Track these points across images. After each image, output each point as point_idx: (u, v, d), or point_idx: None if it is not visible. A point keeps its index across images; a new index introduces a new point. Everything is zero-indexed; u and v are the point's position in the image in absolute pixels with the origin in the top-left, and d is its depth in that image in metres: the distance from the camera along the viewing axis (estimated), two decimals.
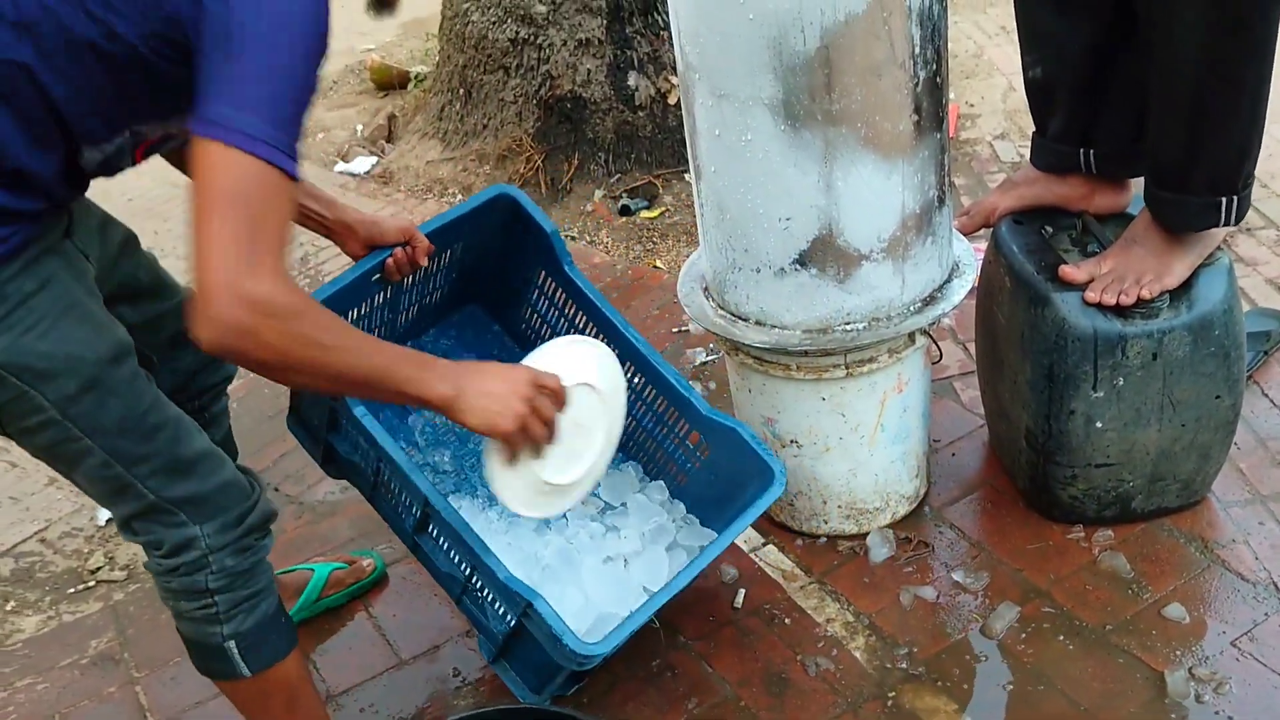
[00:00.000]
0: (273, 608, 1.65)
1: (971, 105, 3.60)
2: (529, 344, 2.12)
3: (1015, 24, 2.01)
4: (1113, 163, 1.99)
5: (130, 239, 1.72)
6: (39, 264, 1.43)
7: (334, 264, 3.23)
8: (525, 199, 1.94)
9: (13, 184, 1.40)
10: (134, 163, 1.56)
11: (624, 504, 2.05)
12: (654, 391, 1.98)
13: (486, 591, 1.73)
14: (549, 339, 1.97)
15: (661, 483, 2.08)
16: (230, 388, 2.80)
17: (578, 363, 1.63)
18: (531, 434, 1.52)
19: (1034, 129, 2.09)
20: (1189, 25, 1.68)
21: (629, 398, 1.82)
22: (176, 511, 1.54)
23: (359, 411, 1.73)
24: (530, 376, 1.52)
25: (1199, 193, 1.80)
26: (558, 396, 1.55)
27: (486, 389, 1.48)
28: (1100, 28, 1.88)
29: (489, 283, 2.11)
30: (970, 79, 3.75)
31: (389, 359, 1.44)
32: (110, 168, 1.51)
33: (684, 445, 2.01)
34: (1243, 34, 1.67)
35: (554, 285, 2.04)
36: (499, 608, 1.72)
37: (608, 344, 1.82)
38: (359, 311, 1.90)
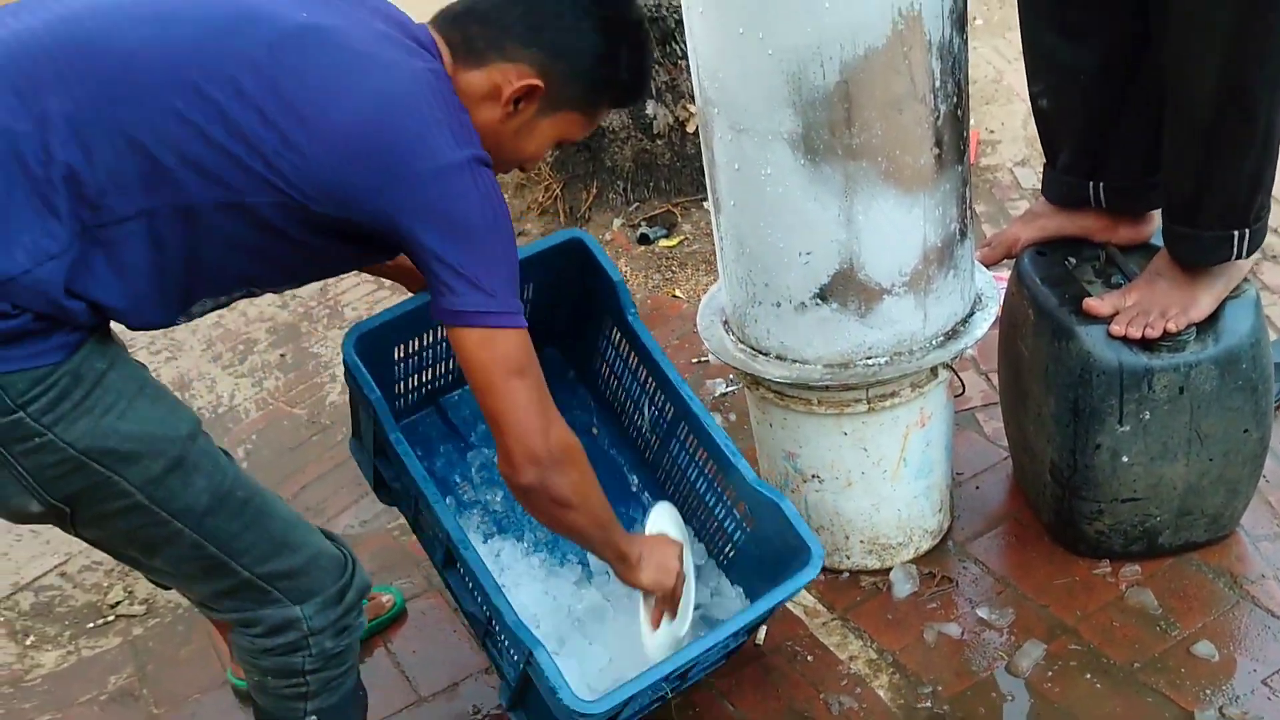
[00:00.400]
0: (355, 680, 1.67)
1: (992, 131, 3.58)
2: (600, 393, 2.14)
3: (1022, 53, 1.99)
4: (1123, 196, 1.97)
5: None
6: (104, 343, 1.40)
7: (353, 294, 3.23)
8: (595, 245, 1.95)
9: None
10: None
11: None
12: (704, 454, 1.95)
13: (503, 635, 1.72)
14: (617, 389, 2.09)
15: (702, 546, 2.04)
16: (249, 420, 2.82)
17: (673, 524, 1.84)
18: (677, 594, 1.74)
19: (1044, 161, 2.07)
20: (1207, 58, 1.66)
21: (683, 453, 1.99)
22: (270, 589, 1.52)
23: (394, 438, 1.73)
24: (677, 546, 1.76)
25: (1211, 226, 1.78)
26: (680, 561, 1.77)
27: (657, 554, 1.72)
28: (1109, 59, 1.87)
29: (564, 327, 2.08)
30: (990, 105, 3.73)
31: (617, 524, 1.66)
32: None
33: (732, 513, 1.95)
34: (1262, 67, 1.65)
35: (620, 335, 2.02)
36: (513, 653, 1.71)
37: (664, 399, 1.97)
38: (421, 342, 1.92)
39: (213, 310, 1.53)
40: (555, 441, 1.48)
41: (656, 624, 1.75)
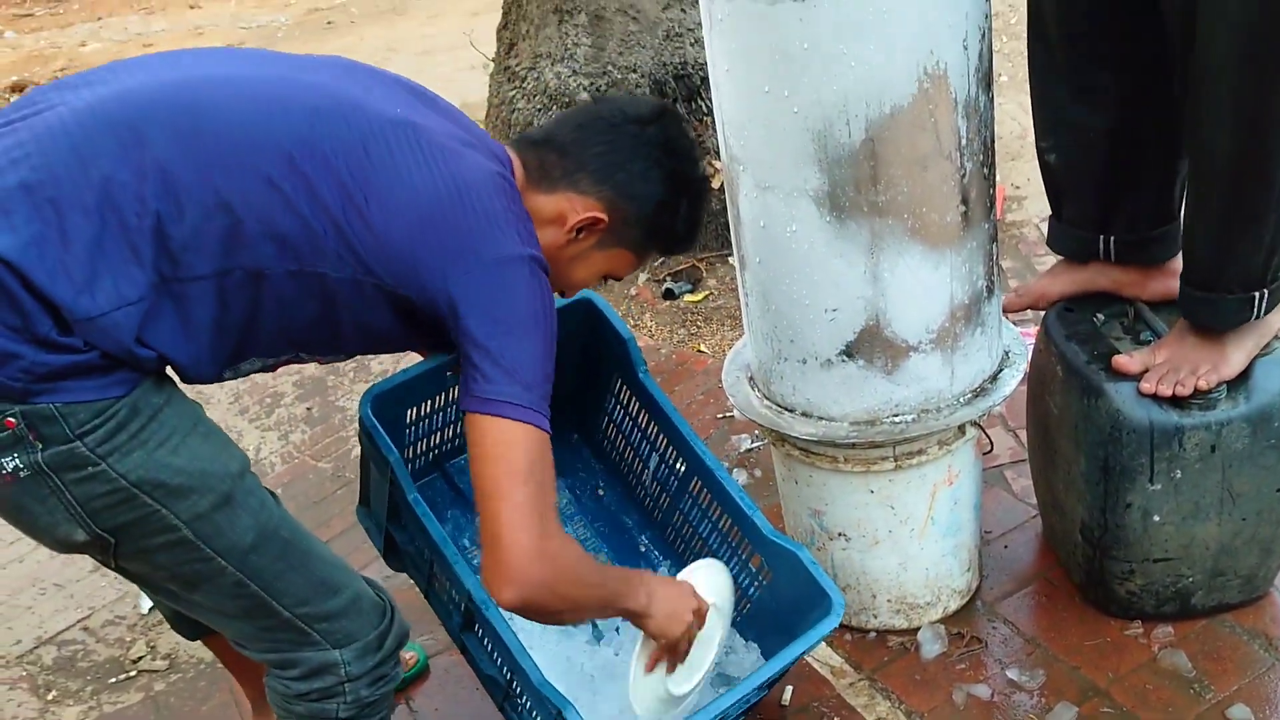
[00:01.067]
0: None
1: (1018, 187, 3.58)
2: (606, 453, 2.13)
3: (1031, 108, 1.99)
4: (1133, 249, 1.96)
5: None
6: (161, 380, 1.43)
7: None
8: (604, 304, 1.96)
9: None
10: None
11: None
12: (719, 509, 1.94)
13: (525, 699, 1.70)
14: (624, 449, 2.08)
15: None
16: (275, 474, 2.82)
17: (711, 584, 1.78)
18: (681, 648, 1.70)
19: (1050, 213, 2.06)
20: (1225, 123, 1.65)
21: (695, 509, 1.98)
22: (310, 631, 1.53)
23: (413, 498, 1.71)
24: (695, 594, 1.70)
25: (1232, 290, 1.77)
26: (701, 617, 1.71)
27: (670, 602, 1.65)
28: (1119, 119, 1.87)
29: (569, 389, 2.06)
30: (1016, 160, 3.74)
31: (620, 584, 1.62)
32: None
33: (747, 567, 1.94)
34: (1277, 133, 1.64)
35: (629, 394, 2.02)
36: (536, 715, 1.69)
37: (676, 455, 1.96)
38: (432, 405, 1.92)
39: (259, 371, 1.55)
40: (547, 560, 1.42)
41: (650, 669, 1.70)
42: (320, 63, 1.53)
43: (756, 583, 1.93)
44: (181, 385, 1.48)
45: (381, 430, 1.73)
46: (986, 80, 1.71)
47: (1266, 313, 1.78)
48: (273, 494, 1.58)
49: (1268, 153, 1.65)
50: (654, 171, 1.58)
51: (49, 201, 1.29)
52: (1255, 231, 1.72)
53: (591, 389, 2.08)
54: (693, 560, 1.91)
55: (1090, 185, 1.96)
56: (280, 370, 3.23)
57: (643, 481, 2.09)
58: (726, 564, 1.93)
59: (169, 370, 1.44)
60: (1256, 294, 1.77)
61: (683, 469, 1.98)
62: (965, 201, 1.73)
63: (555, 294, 1.59)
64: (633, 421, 2.05)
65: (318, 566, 1.53)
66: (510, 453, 1.40)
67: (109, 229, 1.31)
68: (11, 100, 6.70)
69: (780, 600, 1.87)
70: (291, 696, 1.57)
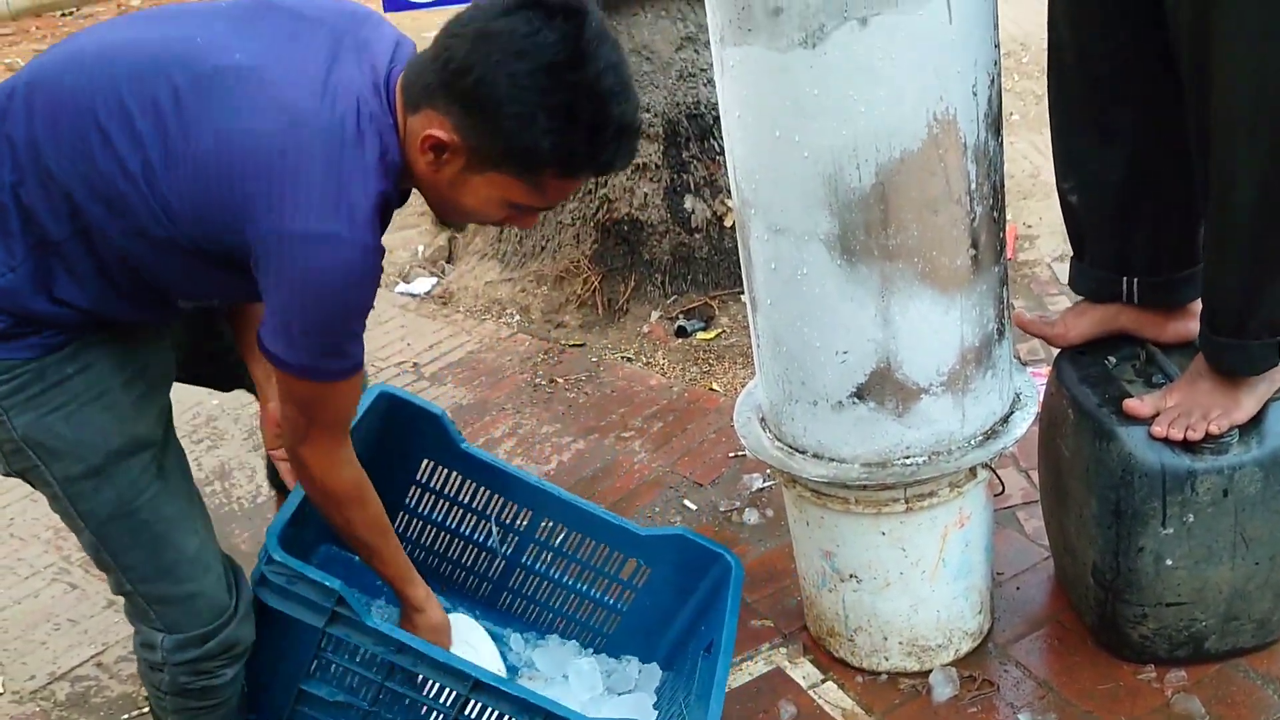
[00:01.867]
0: (226, 715, 1.76)
1: (1029, 226, 3.59)
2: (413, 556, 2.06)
3: (1051, 147, 2.00)
4: (1155, 291, 1.96)
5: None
6: (87, 350, 1.54)
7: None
8: (401, 391, 2.01)
9: (100, 322, 1.55)
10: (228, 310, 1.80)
11: (565, 675, 2.05)
12: (579, 537, 2.03)
13: None
14: (436, 539, 2.13)
15: (575, 642, 2.12)
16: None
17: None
18: None
19: (1073, 255, 2.07)
20: (1250, 168, 1.66)
21: (542, 555, 2.09)
22: (147, 609, 1.65)
23: (372, 621, 1.70)
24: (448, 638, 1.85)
25: (1259, 336, 1.77)
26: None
27: (440, 617, 1.83)
28: (1140, 159, 1.87)
29: None
30: (1028, 199, 3.75)
31: (405, 565, 1.79)
32: (206, 309, 1.72)
33: (614, 585, 2.05)
34: None
35: (443, 473, 2.06)
36: None
37: (520, 500, 2.04)
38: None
39: (200, 308, 1.69)
40: (335, 483, 1.63)
41: None
42: (210, 9, 1.51)
43: (626, 592, 2.04)
44: (193, 427, 1.54)
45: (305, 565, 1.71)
46: (996, 125, 1.73)
47: None
48: (171, 473, 1.65)
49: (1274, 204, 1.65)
50: (498, 76, 1.33)
51: None
52: (1267, 277, 1.72)
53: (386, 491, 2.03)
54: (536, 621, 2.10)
55: (1111, 226, 1.96)
56: None
57: (467, 564, 2.13)
58: (585, 597, 2.08)
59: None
60: None
61: (524, 522, 2.05)
62: (975, 245, 1.74)
63: (452, 224, 1.65)
64: (449, 501, 2.09)
65: (168, 554, 1.62)
66: (285, 387, 1.52)
67: None
68: None
69: (659, 596, 2.00)
70: (136, 653, 1.72)
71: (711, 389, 3.07)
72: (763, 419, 2.01)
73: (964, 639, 2.07)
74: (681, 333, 3.33)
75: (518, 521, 2.06)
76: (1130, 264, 1.96)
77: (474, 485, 2.06)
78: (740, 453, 2.74)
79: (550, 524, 2.04)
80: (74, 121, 1.42)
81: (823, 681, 2.09)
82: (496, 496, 2.05)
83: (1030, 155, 3.99)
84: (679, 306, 3.43)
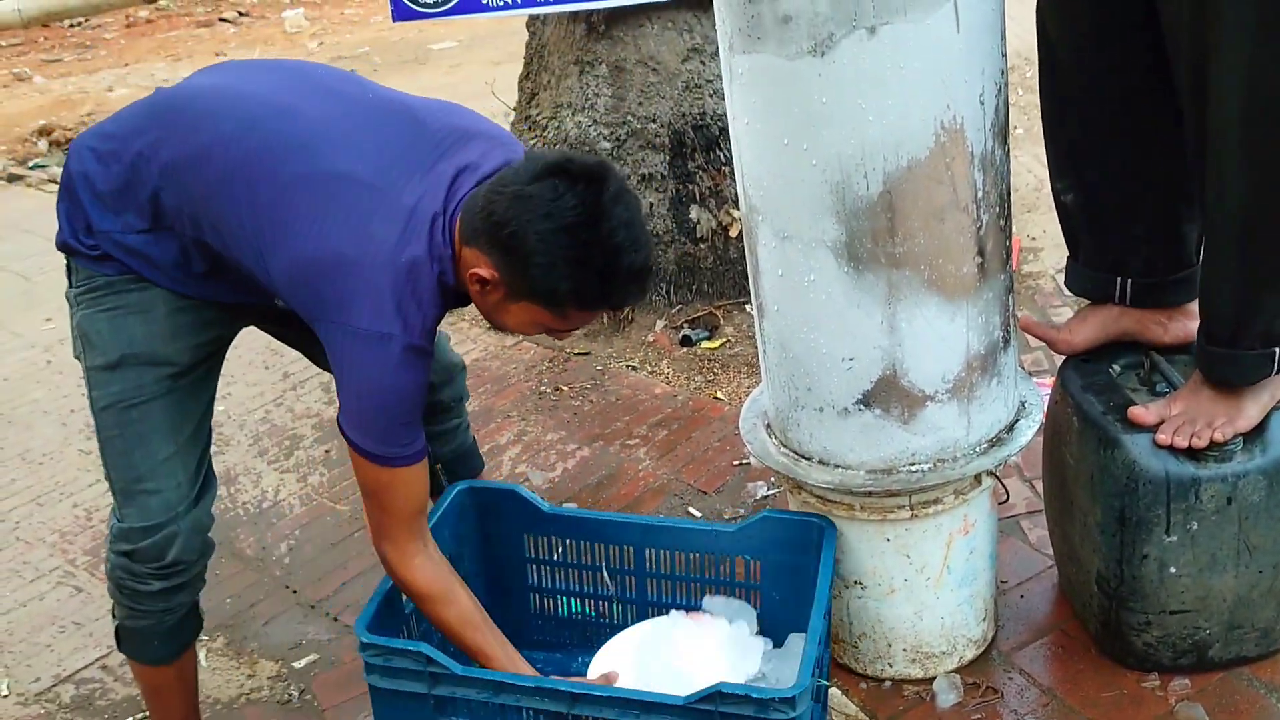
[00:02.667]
0: (148, 628, 1.91)
1: (1033, 239, 3.60)
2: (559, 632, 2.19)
3: (1045, 148, 2.01)
4: (1149, 293, 1.98)
5: None
6: (159, 286, 1.80)
7: None
8: (479, 481, 2.15)
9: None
10: None
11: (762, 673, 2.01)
12: (683, 556, 2.05)
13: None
14: (566, 609, 2.18)
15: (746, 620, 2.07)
16: (293, 515, 2.84)
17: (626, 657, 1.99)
18: None
19: (1068, 254, 2.08)
20: (1241, 180, 1.66)
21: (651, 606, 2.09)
22: (115, 498, 1.86)
23: (464, 670, 1.75)
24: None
25: (1253, 346, 1.77)
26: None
27: None
28: (1133, 158, 1.88)
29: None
30: (1032, 212, 3.77)
31: (501, 665, 1.82)
32: None
33: (737, 590, 2.04)
34: None
35: (543, 541, 2.12)
36: None
37: (618, 539, 2.05)
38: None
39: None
40: (416, 579, 1.80)
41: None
42: (323, 86, 1.80)
43: (752, 594, 2.04)
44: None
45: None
46: (1002, 134, 1.74)
47: None
48: (177, 389, 1.84)
49: (1269, 210, 1.66)
50: (528, 232, 1.59)
51: (112, 154, 1.77)
52: (1261, 289, 1.73)
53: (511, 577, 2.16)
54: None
55: (1105, 227, 1.98)
56: (300, 413, 3.27)
57: (602, 621, 2.15)
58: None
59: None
60: (1277, 349, 1.77)
61: (631, 559, 2.07)
62: (981, 253, 1.75)
63: (501, 331, 1.81)
64: (562, 566, 2.13)
65: (139, 452, 1.82)
66: (359, 473, 1.75)
67: (130, 185, 1.75)
68: (40, 144, 6.74)
69: (780, 582, 2.00)
70: None
71: (716, 398, 3.08)
72: (768, 425, 2.02)
73: (968, 646, 2.07)
74: (686, 342, 3.34)
75: (625, 561, 2.08)
76: (1124, 264, 1.98)
77: (574, 542, 2.10)
78: (744, 460, 2.75)
79: (653, 552, 2.05)
80: (208, 173, 1.70)
81: (827, 688, 2.09)
82: (598, 545, 2.08)
83: (1034, 168, 4.00)
84: (684, 316, 3.44)
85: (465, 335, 3.56)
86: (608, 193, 1.60)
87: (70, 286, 1.84)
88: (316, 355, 2.06)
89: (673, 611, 2.06)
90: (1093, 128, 1.89)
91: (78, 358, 1.85)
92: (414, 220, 1.66)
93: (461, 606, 1.82)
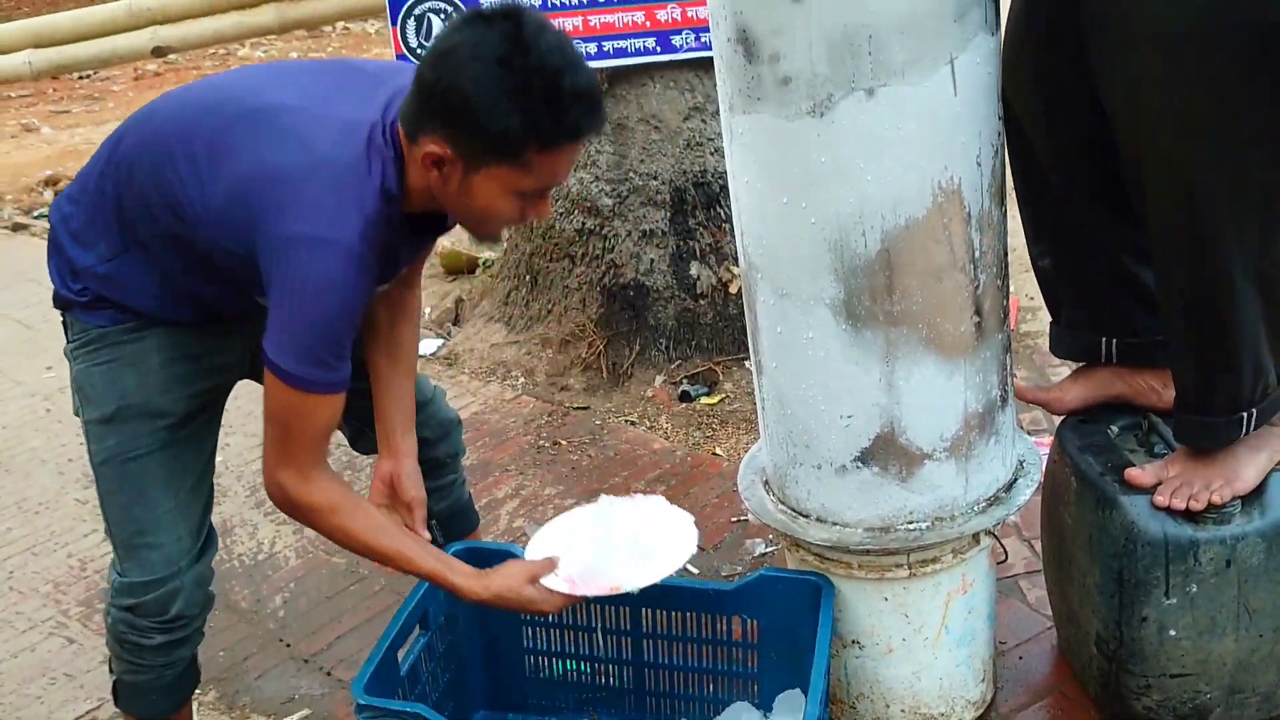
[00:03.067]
0: (147, 683, 1.90)
1: (1032, 298, 3.61)
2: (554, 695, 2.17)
3: (1020, 214, 2.00)
4: (1134, 352, 1.98)
5: None
6: (147, 328, 1.80)
7: None
8: (477, 542, 2.17)
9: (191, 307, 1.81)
10: None
11: None
12: (679, 615, 2.03)
13: None
14: (562, 672, 2.15)
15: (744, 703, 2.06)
16: (289, 567, 2.82)
17: (564, 539, 1.99)
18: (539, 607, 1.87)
19: (1050, 318, 2.09)
20: (1179, 258, 1.68)
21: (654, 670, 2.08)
22: (115, 552, 1.85)
23: None
24: (527, 570, 1.87)
25: (1220, 413, 1.78)
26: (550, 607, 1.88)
27: (495, 590, 1.83)
28: (1105, 226, 1.89)
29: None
30: (1029, 272, 3.77)
31: (428, 567, 1.82)
32: None
33: (735, 650, 2.01)
34: (1229, 262, 1.65)
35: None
36: None
37: (614, 598, 1.93)
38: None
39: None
40: (316, 497, 1.73)
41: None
42: (299, 67, 1.85)
43: (750, 654, 2.01)
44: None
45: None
46: (999, 194, 1.76)
47: (1258, 426, 1.79)
48: (175, 441, 1.83)
49: (1224, 292, 1.67)
50: (462, 79, 1.52)
51: (80, 189, 1.81)
52: (1227, 363, 1.74)
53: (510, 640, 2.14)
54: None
55: (1083, 290, 1.99)
56: None
57: (598, 684, 2.14)
58: (715, 667, 2.04)
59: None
60: (1245, 413, 1.78)
61: (627, 619, 2.05)
62: (979, 312, 1.76)
63: (491, 228, 1.73)
64: (558, 627, 2.10)
65: (140, 507, 1.81)
66: (270, 398, 1.68)
67: (98, 205, 1.77)
68: (45, 194, 6.78)
69: (778, 642, 1.97)
70: None
71: (714, 453, 3.08)
72: (766, 482, 2.02)
73: (967, 708, 2.05)
74: (685, 397, 3.34)
75: (621, 621, 2.05)
76: (1106, 325, 1.98)
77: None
78: (743, 518, 2.74)
79: (650, 612, 2.03)
80: (156, 147, 1.71)
81: None
82: (594, 605, 2.05)
83: None
84: (683, 371, 3.45)
85: (464, 389, 3.57)
86: (529, 26, 1.53)
87: (68, 342, 1.84)
88: None
89: (603, 496, 2.07)
90: (1060, 195, 1.90)
91: (77, 413, 1.85)
92: (350, 129, 1.63)
93: (372, 516, 1.80)
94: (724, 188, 3.39)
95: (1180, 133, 1.58)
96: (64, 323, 1.85)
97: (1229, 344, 1.72)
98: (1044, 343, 3.35)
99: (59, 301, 1.83)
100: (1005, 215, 1.78)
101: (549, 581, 1.85)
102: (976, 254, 1.72)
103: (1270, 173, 1.59)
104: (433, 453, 2.14)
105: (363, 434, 2.09)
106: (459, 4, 3.35)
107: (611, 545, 1.93)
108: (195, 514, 1.86)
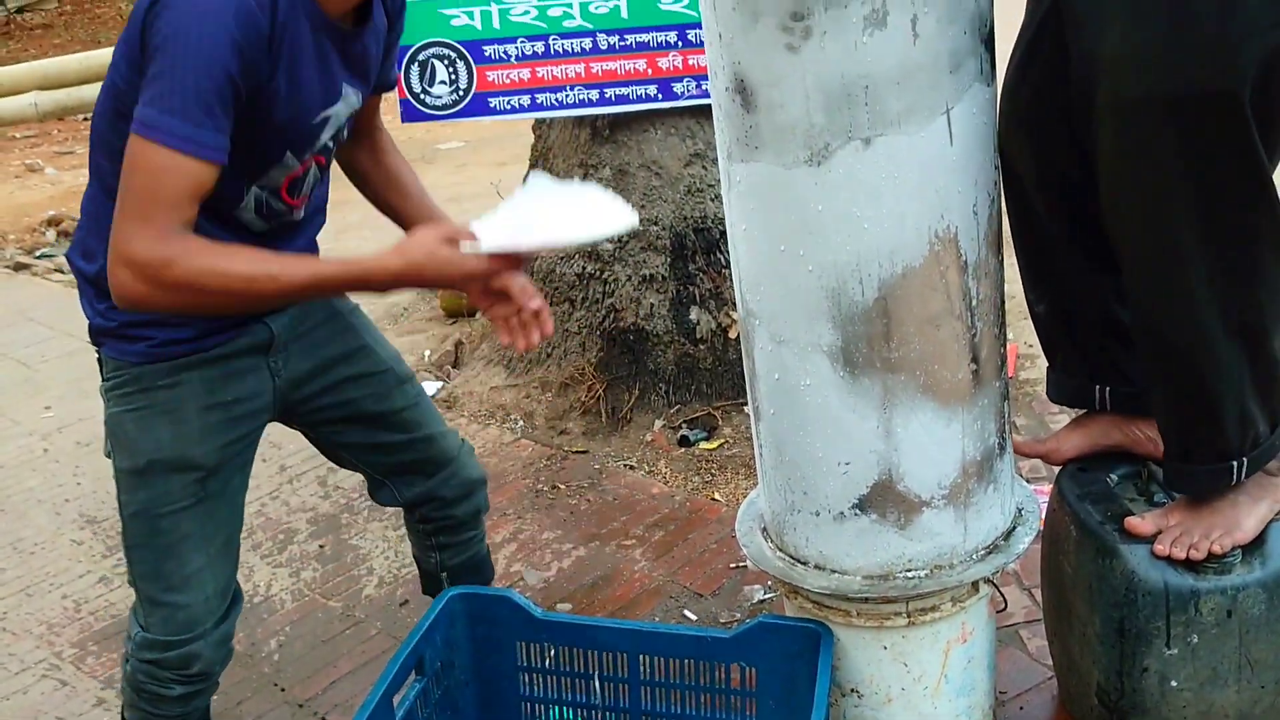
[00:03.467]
0: None
1: (1030, 345, 3.62)
2: None
3: (1017, 260, 2.01)
4: (1129, 399, 1.98)
5: (355, 357, 1.96)
6: (182, 371, 1.76)
7: None
8: (470, 587, 2.07)
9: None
10: (290, 208, 1.79)
11: None
12: (678, 663, 1.99)
13: None
14: None
15: None
16: (285, 610, 2.81)
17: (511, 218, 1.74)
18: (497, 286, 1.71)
19: (1046, 363, 2.09)
20: (1143, 335, 1.73)
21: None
22: (139, 604, 1.82)
23: None
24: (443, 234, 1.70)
25: (1204, 461, 1.78)
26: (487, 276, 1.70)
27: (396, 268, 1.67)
28: (1099, 275, 1.90)
29: None
30: (1028, 319, 3.78)
31: (326, 275, 1.66)
32: (274, 222, 1.77)
33: (733, 698, 1.98)
34: (1193, 315, 1.66)
35: (536, 648, 2.06)
36: None
37: (611, 645, 1.97)
38: None
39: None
40: (136, 248, 1.52)
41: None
42: None
43: (748, 701, 1.98)
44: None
45: None
46: (996, 243, 1.76)
47: (1248, 475, 1.79)
48: (212, 494, 1.80)
49: (1203, 348, 1.68)
50: None
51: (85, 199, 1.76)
52: (1209, 415, 1.74)
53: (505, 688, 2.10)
54: None
55: (1078, 337, 1.99)
56: (295, 507, 3.26)
57: None
58: (715, 716, 1.99)
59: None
60: (1235, 463, 1.77)
61: (625, 667, 2.02)
62: (976, 360, 1.76)
63: None
64: (555, 675, 2.07)
65: (170, 564, 1.77)
66: (129, 163, 1.53)
67: (90, 208, 1.73)
68: (48, 234, 6.80)
69: (774, 690, 1.94)
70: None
71: (713, 499, 3.07)
72: (764, 529, 2.01)
73: None
74: (684, 442, 3.34)
75: (619, 669, 2.04)
76: (1101, 372, 1.99)
77: (566, 649, 2.06)
78: (741, 564, 2.73)
79: (648, 659, 2.01)
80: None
81: None
82: (591, 652, 2.04)
83: None
84: (682, 416, 3.45)
85: (464, 432, 3.56)
86: None
87: (102, 379, 1.80)
88: (332, 447, 2.04)
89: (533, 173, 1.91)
90: (1055, 243, 1.91)
91: (108, 455, 1.82)
92: None
93: (241, 248, 1.62)
94: (724, 233, 3.39)
95: (1153, 197, 1.60)
96: (99, 360, 1.80)
97: (1210, 396, 1.72)
98: (1043, 390, 3.34)
99: (92, 333, 1.79)
100: (1002, 264, 1.79)
101: (471, 247, 1.67)
102: (973, 302, 1.72)
103: (1243, 231, 1.62)
104: (453, 510, 2.11)
105: (384, 486, 2.08)
106: (462, 50, 3.38)
107: (544, 212, 1.75)
108: (224, 573, 1.83)
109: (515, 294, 1.71)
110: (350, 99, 1.77)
